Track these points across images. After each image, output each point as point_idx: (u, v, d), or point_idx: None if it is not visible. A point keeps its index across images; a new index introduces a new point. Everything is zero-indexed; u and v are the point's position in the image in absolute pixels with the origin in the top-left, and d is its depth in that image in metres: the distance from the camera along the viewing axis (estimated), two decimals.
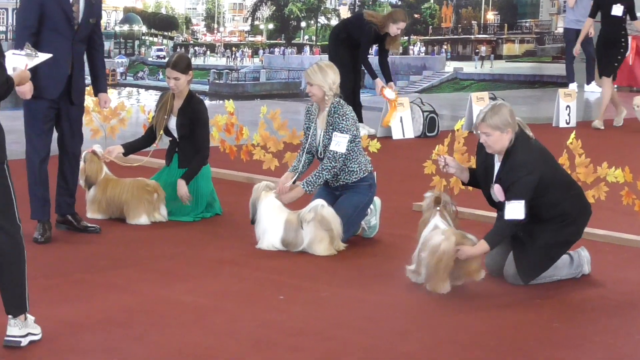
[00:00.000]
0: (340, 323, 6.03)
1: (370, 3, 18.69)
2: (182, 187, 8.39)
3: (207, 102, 9.95)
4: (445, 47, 19.92)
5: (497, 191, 6.73)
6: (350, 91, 13.02)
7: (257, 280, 6.91)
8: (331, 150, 7.73)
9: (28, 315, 5.50)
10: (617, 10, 14.31)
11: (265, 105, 10.39)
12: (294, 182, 7.95)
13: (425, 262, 6.64)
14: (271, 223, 7.62)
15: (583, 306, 6.50)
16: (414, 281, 6.81)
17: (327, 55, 14.29)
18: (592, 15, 15.06)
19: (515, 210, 6.58)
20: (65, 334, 5.69)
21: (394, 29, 12.94)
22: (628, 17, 14.62)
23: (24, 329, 5.47)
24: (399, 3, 18.71)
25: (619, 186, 8.38)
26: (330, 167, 7.73)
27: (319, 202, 7.54)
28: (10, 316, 5.45)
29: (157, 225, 8.36)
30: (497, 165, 6.84)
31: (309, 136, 8.00)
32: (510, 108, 6.78)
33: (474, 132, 6.93)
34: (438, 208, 6.88)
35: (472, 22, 19.94)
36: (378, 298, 6.55)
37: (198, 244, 7.80)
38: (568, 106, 14.75)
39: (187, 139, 8.61)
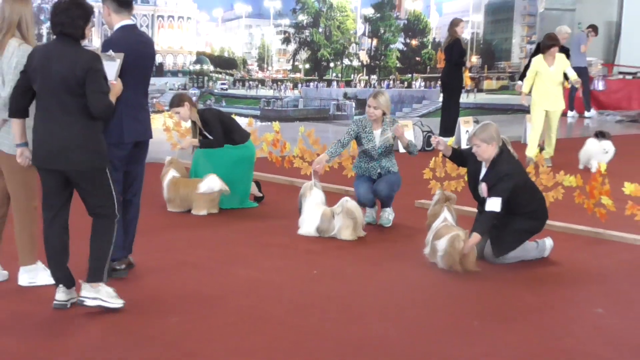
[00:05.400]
0: (360, 292, 6.00)
1: (383, 48, 18.65)
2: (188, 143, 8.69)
3: (258, 123, 9.98)
4: (439, 82, 19.89)
5: (483, 189, 6.71)
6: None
7: (297, 258, 6.91)
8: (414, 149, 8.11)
9: (103, 285, 5.32)
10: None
11: (302, 126, 10.38)
12: (327, 161, 7.96)
13: (442, 248, 6.57)
14: (311, 215, 7.67)
15: (545, 280, 6.45)
16: (430, 260, 6.76)
17: (350, 89, 14.29)
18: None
19: (494, 204, 6.57)
20: (149, 300, 5.69)
21: (461, 29, 13.41)
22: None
23: (92, 293, 5.28)
24: (404, 49, 18.68)
25: (572, 189, 8.34)
26: None
27: (345, 198, 7.60)
28: (83, 281, 5.29)
29: (220, 216, 8.37)
30: (483, 170, 6.82)
31: (367, 141, 7.96)
32: (496, 127, 6.78)
33: (468, 145, 6.91)
34: (446, 204, 6.91)
35: None
36: (389, 273, 6.52)
37: (252, 232, 7.79)
38: None
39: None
